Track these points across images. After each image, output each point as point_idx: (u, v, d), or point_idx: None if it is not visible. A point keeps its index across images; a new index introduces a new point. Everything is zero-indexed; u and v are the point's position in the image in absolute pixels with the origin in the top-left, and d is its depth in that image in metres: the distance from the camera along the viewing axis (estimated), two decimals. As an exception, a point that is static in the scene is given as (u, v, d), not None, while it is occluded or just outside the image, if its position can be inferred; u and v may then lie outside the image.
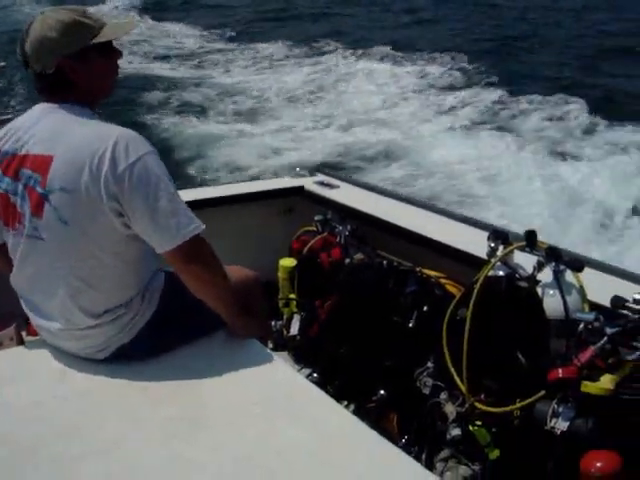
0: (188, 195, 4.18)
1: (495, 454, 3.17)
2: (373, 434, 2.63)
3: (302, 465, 2.38)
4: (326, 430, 2.58)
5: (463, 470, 3.37)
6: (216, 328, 3.02)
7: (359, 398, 3.72)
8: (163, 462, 2.35)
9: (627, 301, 3.02)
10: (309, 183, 5.36)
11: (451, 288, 3.74)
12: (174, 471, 2.32)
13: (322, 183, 5.33)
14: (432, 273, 3.86)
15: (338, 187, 5.25)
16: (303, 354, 4.34)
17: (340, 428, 2.61)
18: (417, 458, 3.34)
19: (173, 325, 2.90)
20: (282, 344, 4.55)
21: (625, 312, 3.02)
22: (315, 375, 3.96)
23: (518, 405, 2.86)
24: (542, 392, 2.76)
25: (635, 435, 2.56)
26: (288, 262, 4.59)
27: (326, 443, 2.50)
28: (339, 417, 2.73)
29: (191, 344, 2.97)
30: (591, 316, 2.72)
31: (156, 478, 2.30)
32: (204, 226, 2.72)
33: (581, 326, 2.73)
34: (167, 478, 2.30)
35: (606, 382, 2.55)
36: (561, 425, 2.61)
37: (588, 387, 2.56)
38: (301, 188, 5.29)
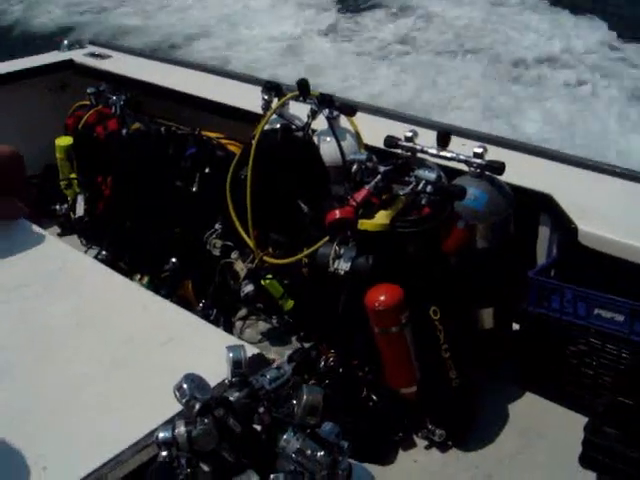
0: None
1: (290, 305, 3.23)
2: (168, 304, 2.58)
3: (95, 339, 2.29)
4: (116, 305, 2.49)
5: (262, 325, 3.43)
6: None
7: (152, 270, 3.64)
8: None
9: (399, 140, 3.08)
10: (79, 56, 5.04)
11: (232, 147, 3.68)
12: None
13: (93, 54, 5.04)
14: (212, 134, 3.77)
15: (110, 57, 4.98)
16: (92, 234, 4.18)
17: (132, 301, 2.53)
18: (216, 321, 3.34)
19: None
20: (70, 227, 4.36)
21: (398, 151, 3.09)
22: (104, 253, 3.83)
23: (304, 253, 2.88)
24: (326, 238, 2.78)
25: (413, 266, 2.64)
26: (64, 141, 4.32)
27: (117, 318, 2.42)
28: (129, 291, 2.65)
29: None
30: (364, 156, 2.74)
31: None
32: None
33: (355, 167, 2.74)
34: None
35: (381, 217, 2.60)
36: (343, 266, 2.64)
37: (365, 224, 2.60)
38: (71, 62, 4.97)
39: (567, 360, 2.88)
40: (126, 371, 2.12)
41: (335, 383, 2.77)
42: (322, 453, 1.52)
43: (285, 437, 1.53)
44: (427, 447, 2.82)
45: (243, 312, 3.48)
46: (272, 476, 1.52)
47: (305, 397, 1.57)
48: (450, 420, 2.80)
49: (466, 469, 2.72)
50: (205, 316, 3.26)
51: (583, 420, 2.52)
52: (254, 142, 3.10)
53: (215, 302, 3.43)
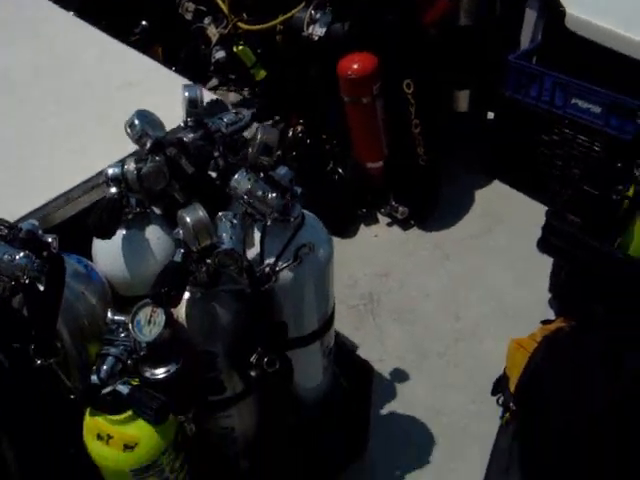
0: None
1: (262, 74, 3.10)
2: (129, 50, 2.42)
3: (51, 81, 2.19)
4: (75, 49, 2.36)
5: (232, 96, 3.33)
6: None
7: (121, 34, 3.47)
8: None
9: None
10: None
11: None
12: None
13: None
14: None
15: None
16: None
17: (91, 45, 2.39)
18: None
19: None
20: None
21: None
22: (72, 14, 3.64)
23: (279, 19, 2.74)
24: (303, 4, 2.64)
25: (389, 35, 2.52)
26: None
27: (75, 61, 2.30)
28: (89, 35, 2.50)
29: None
30: None
31: None
32: None
33: None
34: None
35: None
36: (318, 31, 2.53)
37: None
38: None
39: (539, 150, 2.84)
40: (80, 112, 2.04)
41: (302, 154, 2.73)
42: (274, 195, 1.48)
43: (236, 177, 1.48)
44: (389, 224, 2.84)
45: (214, 82, 3.36)
46: (220, 213, 1.48)
47: (260, 135, 1.51)
48: (414, 198, 2.79)
49: (425, 247, 2.75)
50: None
51: (547, 210, 2.51)
52: None
53: (186, 68, 3.30)
